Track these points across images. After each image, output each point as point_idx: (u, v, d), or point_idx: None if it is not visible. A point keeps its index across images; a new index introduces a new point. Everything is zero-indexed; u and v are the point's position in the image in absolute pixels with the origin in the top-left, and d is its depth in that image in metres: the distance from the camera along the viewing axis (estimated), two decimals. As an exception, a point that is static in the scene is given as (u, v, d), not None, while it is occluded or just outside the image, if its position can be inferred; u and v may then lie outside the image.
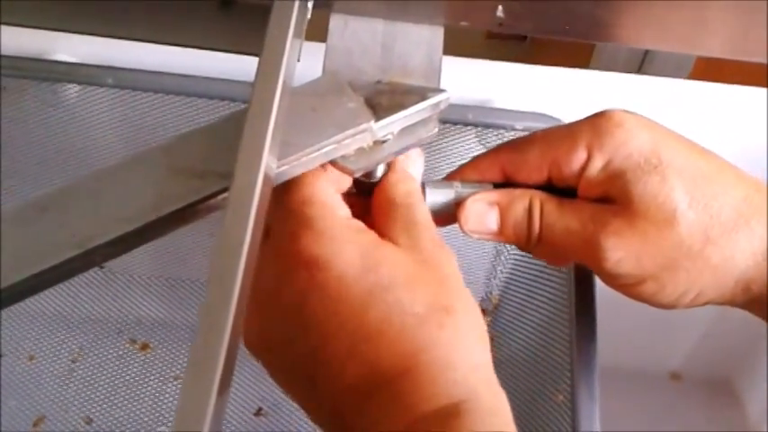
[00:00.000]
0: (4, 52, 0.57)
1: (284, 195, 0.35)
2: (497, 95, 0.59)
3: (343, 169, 0.37)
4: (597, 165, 0.40)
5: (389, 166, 0.39)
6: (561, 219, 0.40)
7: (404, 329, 0.32)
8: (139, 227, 0.32)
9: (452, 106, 0.57)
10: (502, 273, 0.68)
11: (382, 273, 0.33)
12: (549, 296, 0.57)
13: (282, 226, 0.35)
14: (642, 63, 0.70)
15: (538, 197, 0.41)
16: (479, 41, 0.94)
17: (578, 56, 0.75)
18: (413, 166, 0.39)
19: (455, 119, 0.57)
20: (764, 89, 0.65)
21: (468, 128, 0.57)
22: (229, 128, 0.34)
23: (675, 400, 0.89)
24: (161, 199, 0.32)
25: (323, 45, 0.40)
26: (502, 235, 0.41)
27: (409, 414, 0.31)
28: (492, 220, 0.41)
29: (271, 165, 0.32)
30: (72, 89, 0.57)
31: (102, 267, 0.71)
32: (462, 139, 0.58)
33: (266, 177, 0.30)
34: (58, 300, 0.71)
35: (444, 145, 0.59)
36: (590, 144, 0.40)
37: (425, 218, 0.37)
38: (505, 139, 0.58)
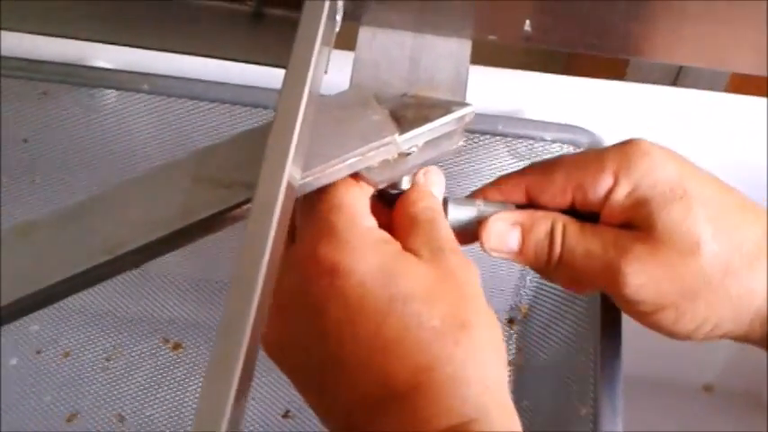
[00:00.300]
0: (47, 58, 0.59)
1: (312, 201, 0.36)
2: (529, 106, 0.59)
3: (367, 181, 0.37)
4: (623, 191, 0.40)
5: (412, 183, 0.39)
6: (583, 242, 0.40)
7: (419, 343, 0.33)
8: (167, 234, 0.33)
9: (482, 116, 0.58)
10: (531, 282, 0.68)
11: (402, 284, 0.34)
12: (577, 309, 0.57)
13: (308, 231, 0.36)
14: (677, 76, 0.70)
15: (561, 220, 0.41)
16: (515, 50, 0.94)
17: (614, 68, 0.75)
18: (434, 183, 0.40)
19: (485, 129, 0.57)
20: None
21: (498, 138, 0.57)
22: (256, 138, 0.35)
23: (708, 412, 0.88)
24: (188, 208, 0.33)
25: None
26: (522, 255, 0.42)
27: (420, 430, 0.31)
28: (513, 240, 0.41)
29: (294, 176, 0.33)
30: (110, 95, 0.59)
31: (137, 268, 0.72)
32: (492, 149, 0.58)
33: (289, 188, 0.31)
34: (94, 298, 0.72)
35: (474, 155, 0.59)
36: (617, 170, 0.40)
37: (447, 233, 0.37)
38: (535, 150, 0.59)
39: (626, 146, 0.41)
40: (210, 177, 0.34)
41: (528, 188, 0.42)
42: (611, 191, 0.40)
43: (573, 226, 0.41)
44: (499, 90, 0.60)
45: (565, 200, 0.41)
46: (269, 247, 0.29)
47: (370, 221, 0.36)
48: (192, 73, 0.58)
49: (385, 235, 0.36)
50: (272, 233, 0.29)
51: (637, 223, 0.40)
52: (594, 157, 0.41)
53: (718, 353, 0.87)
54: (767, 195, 0.51)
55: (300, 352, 0.35)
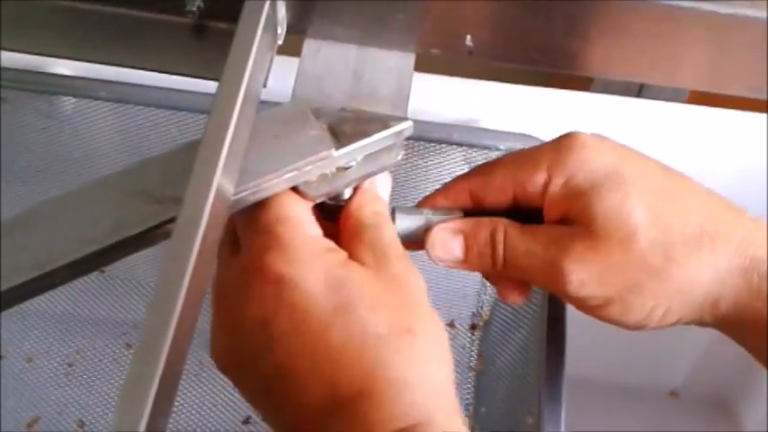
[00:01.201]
0: (5, 65, 0.59)
1: (256, 212, 0.36)
2: (485, 115, 0.60)
3: (304, 195, 0.37)
4: (557, 184, 0.40)
5: (356, 189, 0.39)
6: (524, 243, 0.40)
7: (364, 349, 0.33)
8: (98, 250, 0.33)
9: (438, 125, 0.58)
10: (492, 288, 0.68)
11: (346, 292, 0.34)
12: (531, 316, 0.57)
13: (253, 242, 0.36)
14: (641, 88, 0.70)
15: (501, 224, 0.41)
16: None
17: (579, 79, 0.75)
18: (381, 188, 0.40)
19: (440, 138, 0.57)
20: (764, 114, 0.64)
21: (453, 146, 0.58)
22: (190, 153, 0.35)
23: (674, 417, 0.89)
24: (120, 223, 0.33)
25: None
26: (467, 262, 0.42)
27: None
28: (457, 248, 0.42)
29: (225, 190, 0.33)
30: (68, 101, 0.59)
31: (102, 272, 0.72)
32: (447, 157, 0.59)
33: (218, 202, 0.31)
34: (58, 301, 0.72)
35: (429, 164, 0.59)
36: (551, 164, 0.40)
37: (392, 238, 0.37)
38: (490, 159, 0.59)
39: (561, 140, 0.41)
40: (142, 192, 0.34)
41: (472, 191, 0.43)
42: (546, 185, 0.40)
43: (514, 229, 0.41)
44: (455, 99, 0.60)
45: (506, 199, 0.42)
46: (192, 263, 0.29)
47: (315, 230, 0.37)
48: (150, 80, 0.58)
49: (330, 244, 0.36)
50: (197, 247, 0.29)
51: (575, 217, 0.40)
52: (530, 153, 0.41)
53: (683, 359, 0.88)
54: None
55: (249, 363, 0.35)
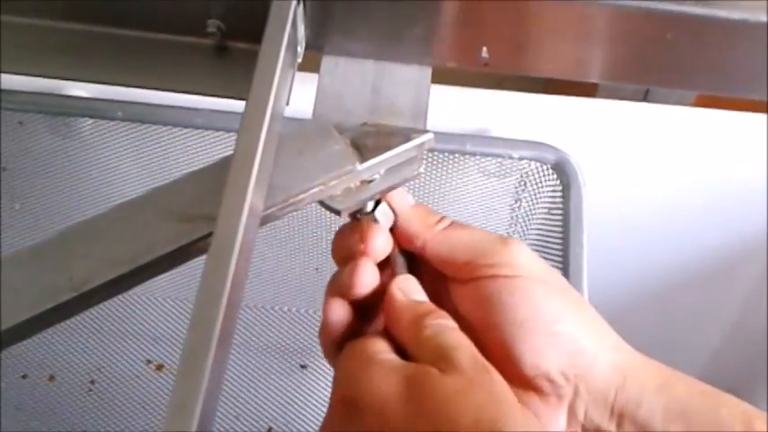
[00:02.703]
0: (22, 88, 0.60)
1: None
2: (496, 124, 0.60)
3: (329, 209, 0.38)
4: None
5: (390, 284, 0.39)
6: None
7: None
8: (132, 269, 0.34)
9: (451, 135, 0.59)
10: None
11: (426, 402, 0.33)
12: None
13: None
14: (647, 92, 0.71)
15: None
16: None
17: (585, 84, 0.76)
18: (413, 286, 0.40)
19: (454, 148, 0.58)
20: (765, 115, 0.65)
21: (467, 156, 0.58)
22: (218, 172, 0.36)
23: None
24: (152, 243, 0.34)
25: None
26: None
27: None
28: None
29: (256, 206, 0.34)
30: (85, 122, 0.60)
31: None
32: (461, 167, 0.59)
33: (251, 219, 0.32)
34: (80, 317, 0.73)
35: (444, 173, 0.60)
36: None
37: (459, 338, 0.36)
38: (504, 167, 0.60)
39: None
40: (174, 212, 0.35)
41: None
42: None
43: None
44: (467, 110, 0.61)
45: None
46: (230, 278, 0.30)
47: (388, 355, 0.36)
48: (166, 99, 0.59)
49: (397, 361, 0.36)
50: (233, 264, 0.30)
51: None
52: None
53: (695, 356, 0.89)
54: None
55: None
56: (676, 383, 0.38)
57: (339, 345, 0.39)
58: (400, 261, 0.41)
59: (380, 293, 0.40)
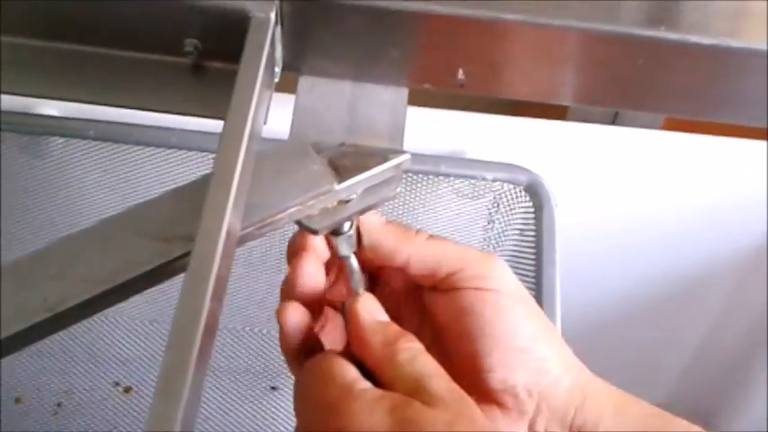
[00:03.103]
0: (-7, 106, 0.59)
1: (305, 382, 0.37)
2: (470, 146, 0.61)
3: (307, 229, 0.38)
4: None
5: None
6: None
7: None
8: (108, 289, 0.33)
9: (425, 157, 0.59)
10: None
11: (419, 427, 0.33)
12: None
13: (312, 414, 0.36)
14: (616, 115, 0.72)
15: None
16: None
17: (555, 107, 0.77)
18: (376, 309, 0.39)
19: (428, 169, 0.58)
20: (740, 140, 0.67)
21: (441, 178, 0.59)
22: (194, 192, 0.36)
23: None
24: (128, 262, 0.34)
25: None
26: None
27: None
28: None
29: (234, 226, 0.33)
30: (57, 141, 0.59)
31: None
32: (436, 188, 0.60)
33: (229, 239, 0.32)
34: (48, 339, 0.72)
35: (419, 195, 0.60)
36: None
37: (433, 367, 0.37)
38: (478, 189, 0.60)
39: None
40: (150, 232, 0.34)
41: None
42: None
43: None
44: (442, 131, 0.61)
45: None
46: (208, 298, 0.30)
47: (364, 383, 0.36)
48: (138, 119, 0.59)
49: (377, 391, 0.36)
50: (212, 283, 0.30)
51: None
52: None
53: (666, 374, 0.90)
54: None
55: None
56: (631, 407, 0.41)
57: (300, 353, 0.39)
58: (362, 278, 0.41)
59: (330, 302, 0.40)
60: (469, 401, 0.36)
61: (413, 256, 0.40)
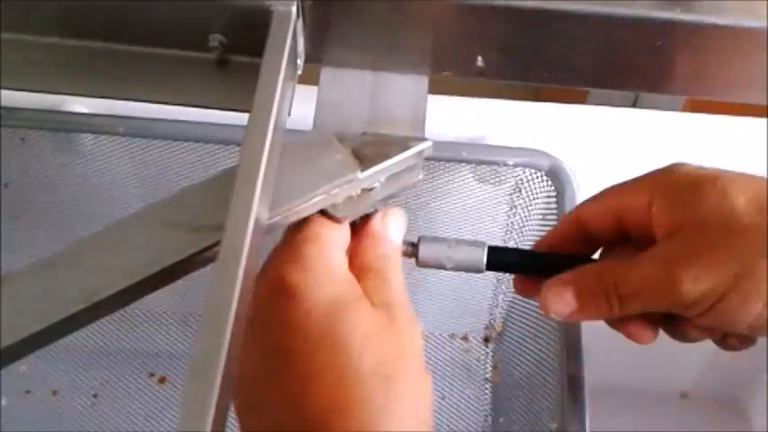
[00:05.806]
0: (24, 105, 0.60)
1: (288, 232, 0.38)
2: (491, 132, 0.61)
3: (332, 218, 0.39)
4: (660, 200, 0.41)
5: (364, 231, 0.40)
6: (633, 270, 0.40)
7: (340, 382, 0.34)
8: (140, 280, 0.34)
9: (446, 144, 0.60)
10: (504, 301, 0.70)
11: (345, 323, 0.35)
12: (546, 326, 0.59)
13: (277, 257, 0.37)
14: (637, 97, 0.72)
15: (606, 265, 0.42)
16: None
17: (575, 91, 0.77)
18: (394, 230, 0.41)
19: (450, 156, 0.59)
20: (763, 119, 0.66)
21: (463, 164, 0.59)
22: (222, 183, 0.37)
23: (684, 418, 0.90)
24: (160, 253, 0.35)
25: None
26: (583, 311, 0.42)
27: None
28: (569, 299, 0.42)
29: (261, 216, 0.34)
30: (87, 138, 0.60)
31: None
32: (457, 174, 0.60)
33: (256, 228, 0.33)
34: (81, 335, 0.74)
35: (441, 182, 0.61)
36: (651, 184, 0.42)
37: (397, 285, 0.38)
38: (499, 174, 0.61)
39: (660, 169, 0.43)
40: (180, 222, 0.35)
41: (578, 220, 0.44)
42: (649, 206, 0.41)
43: (620, 265, 0.41)
44: (462, 118, 0.62)
45: (608, 226, 0.43)
46: (238, 286, 0.30)
47: (341, 259, 0.38)
48: (166, 114, 0.60)
49: (350, 276, 0.38)
50: (241, 272, 0.31)
51: (682, 226, 0.40)
52: (629, 182, 0.43)
53: (692, 361, 0.90)
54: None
55: (243, 363, 0.35)
56: None
57: None
58: None
59: None
60: (412, 327, 0.37)
61: None
